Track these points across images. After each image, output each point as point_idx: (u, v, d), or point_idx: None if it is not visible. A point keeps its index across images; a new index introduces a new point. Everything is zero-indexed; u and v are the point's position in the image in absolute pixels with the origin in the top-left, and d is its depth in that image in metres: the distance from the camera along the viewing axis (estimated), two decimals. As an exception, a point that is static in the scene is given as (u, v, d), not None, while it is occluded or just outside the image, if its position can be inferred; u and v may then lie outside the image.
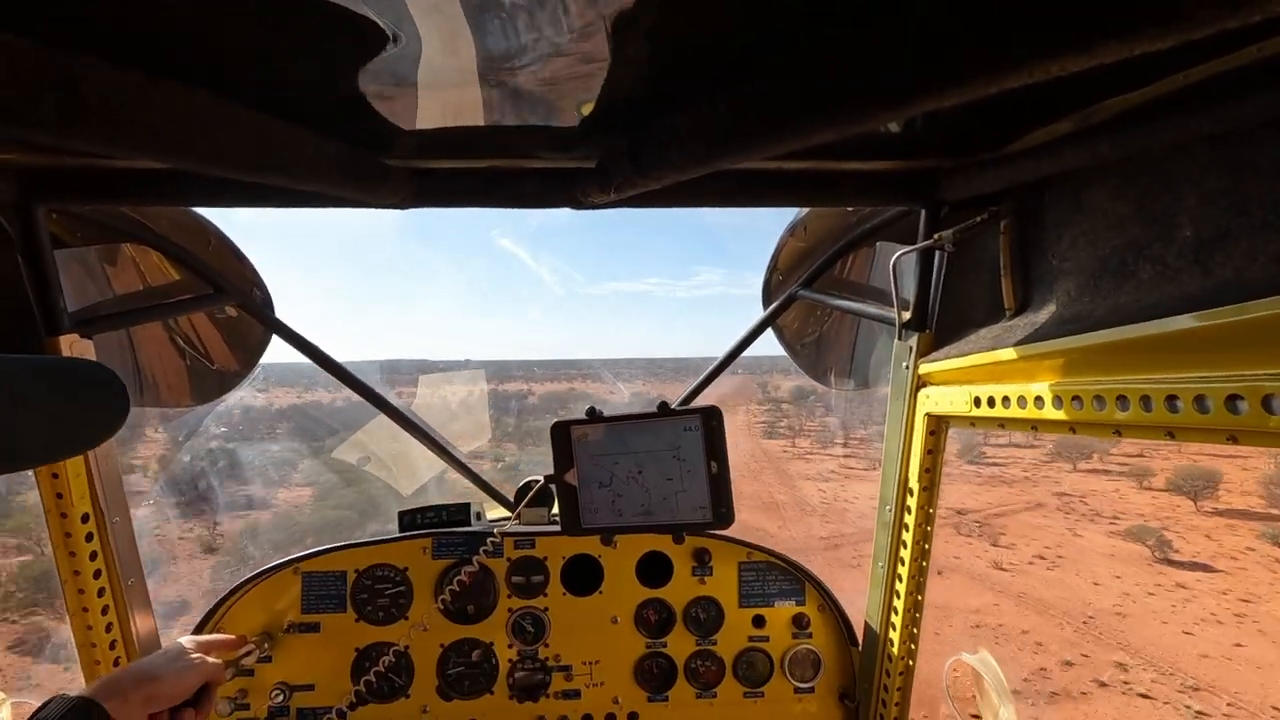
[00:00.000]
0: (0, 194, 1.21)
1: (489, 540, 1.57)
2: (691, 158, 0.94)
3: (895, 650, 1.67)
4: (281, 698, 1.75)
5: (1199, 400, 0.82)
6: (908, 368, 1.53)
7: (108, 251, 1.62)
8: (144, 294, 1.71)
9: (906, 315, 1.51)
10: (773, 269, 2.06)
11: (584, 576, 1.86)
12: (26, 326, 1.31)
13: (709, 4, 0.73)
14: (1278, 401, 0.72)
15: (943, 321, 1.47)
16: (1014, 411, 1.18)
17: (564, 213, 1.42)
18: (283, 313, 1.89)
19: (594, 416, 1.43)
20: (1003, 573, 30.01)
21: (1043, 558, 31.98)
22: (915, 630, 1.67)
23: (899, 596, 1.65)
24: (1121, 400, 0.94)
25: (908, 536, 1.59)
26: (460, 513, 1.93)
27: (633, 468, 1.41)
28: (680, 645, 1.86)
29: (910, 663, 1.69)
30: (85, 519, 1.47)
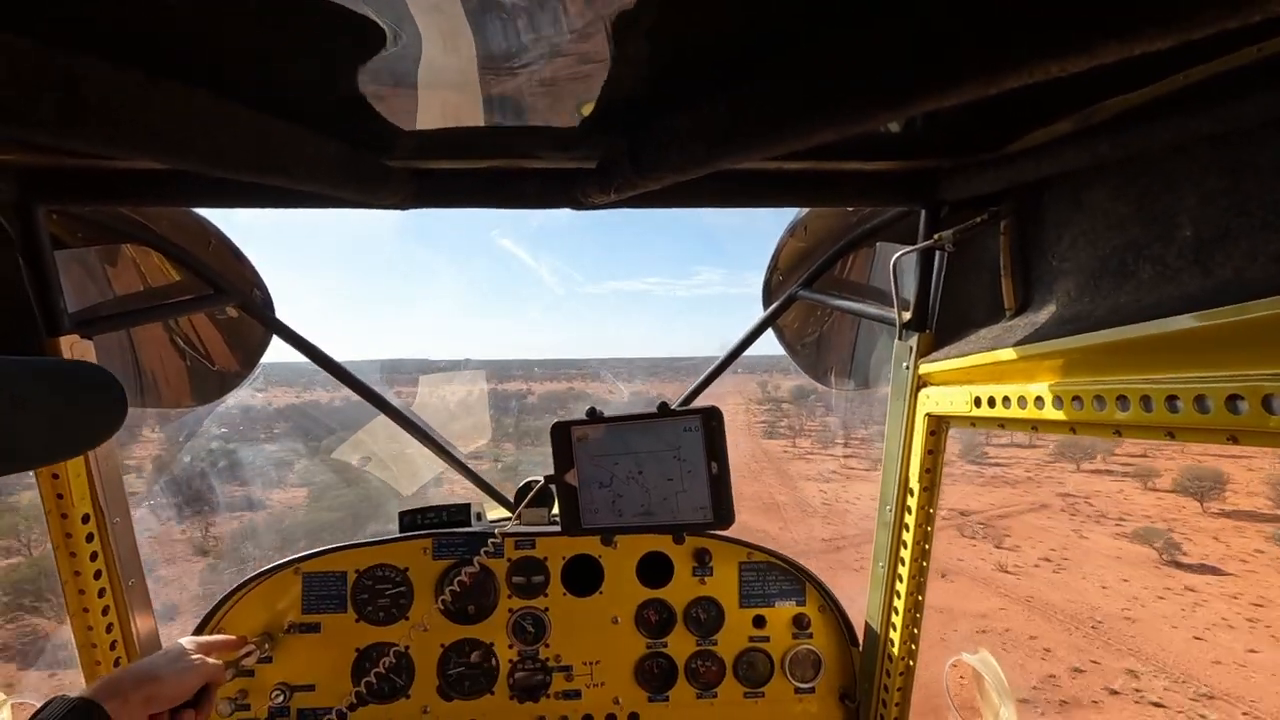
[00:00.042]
0: (1, 194, 1.21)
1: (489, 541, 1.57)
2: (692, 158, 0.94)
3: (896, 650, 1.67)
4: (282, 698, 1.75)
5: (1199, 400, 0.82)
6: (908, 368, 1.53)
7: (108, 252, 1.62)
8: (144, 295, 1.71)
9: (907, 315, 1.51)
10: (773, 269, 2.06)
11: (584, 577, 1.86)
12: (27, 327, 1.31)
13: (709, 4, 0.73)
14: (1278, 401, 0.72)
15: (943, 322, 1.47)
16: (1014, 412, 1.18)
17: (564, 213, 1.42)
18: (283, 313, 1.89)
19: (594, 417, 1.43)
20: (1008, 575, 29.70)
21: (1048, 560, 31.64)
22: (916, 630, 1.67)
23: (899, 597, 1.65)
24: (1122, 400, 0.94)
25: (908, 537, 1.59)
26: (461, 513, 1.93)
27: (633, 468, 1.41)
28: (681, 645, 1.86)
29: (911, 663, 1.69)
30: (86, 519, 1.47)
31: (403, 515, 1.95)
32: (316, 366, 1.89)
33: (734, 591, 1.88)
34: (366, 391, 1.96)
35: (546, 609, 1.84)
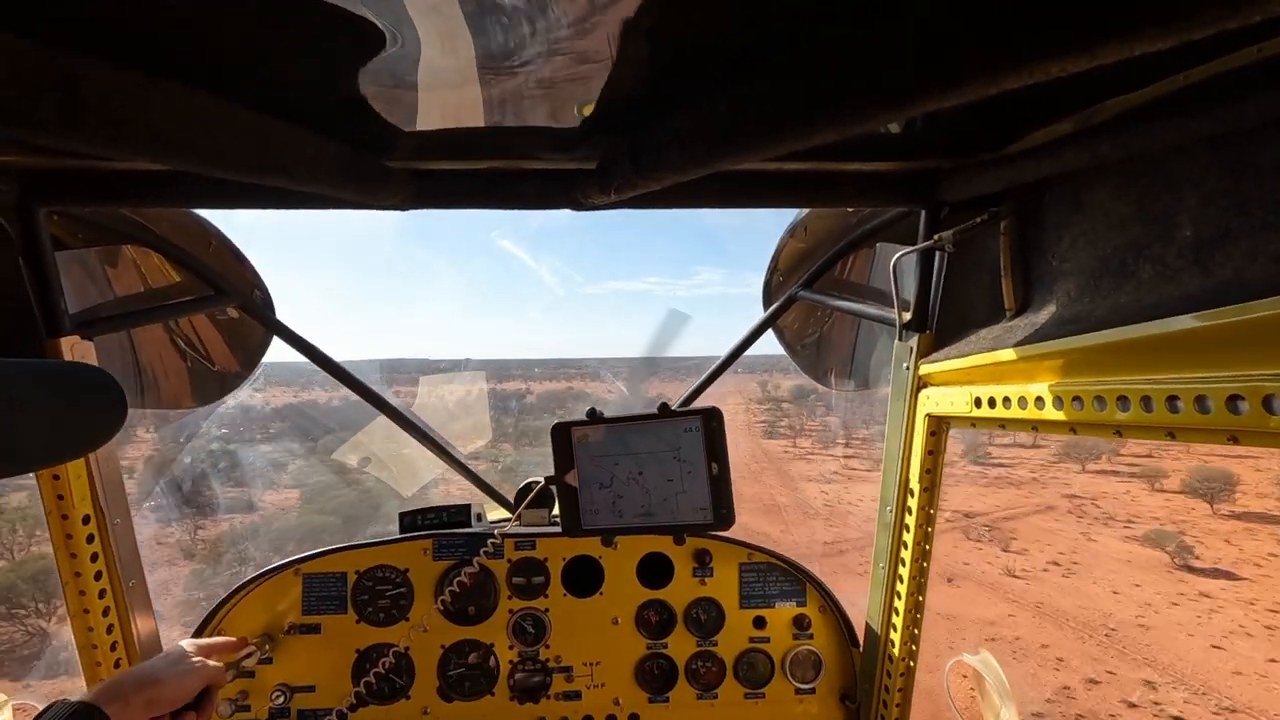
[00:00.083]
0: (1, 195, 1.21)
1: (489, 541, 1.56)
2: (692, 158, 0.94)
3: (896, 651, 1.67)
4: (282, 699, 1.75)
5: (1200, 401, 0.82)
6: (908, 368, 1.53)
7: (108, 253, 1.62)
8: (145, 295, 1.71)
9: (907, 316, 1.51)
10: (773, 270, 2.06)
11: (585, 578, 1.86)
12: (28, 328, 1.31)
13: (709, 4, 0.73)
14: (1278, 402, 0.72)
15: (943, 322, 1.47)
16: (1015, 412, 1.17)
17: (564, 213, 1.42)
18: (283, 313, 1.89)
19: (594, 418, 1.43)
20: (1016, 580, 28.98)
21: (1057, 564, 30.99)
22: (916, 631, 1.67)
23: (900, 597, 1.64)
24: (1122, 401, 0.94)
25: (909, 537, 1.59)
26: (461, 514, 1.93)
27: (633, 469, 1.41)
28: (681, 646, 1.86)
29: (911, 664, 1.69)
30: (86, 520, 1.47)
31: (403, 516, 1.95)
32: (315, 366, 1.89)
33: (734, 592, 1.88)
34: (367, 392, 1.96)
35: (547, 610, 1.84)
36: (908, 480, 1.58)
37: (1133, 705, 20.15)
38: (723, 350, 2.03)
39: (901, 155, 1.27)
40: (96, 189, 1.26)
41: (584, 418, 1.44)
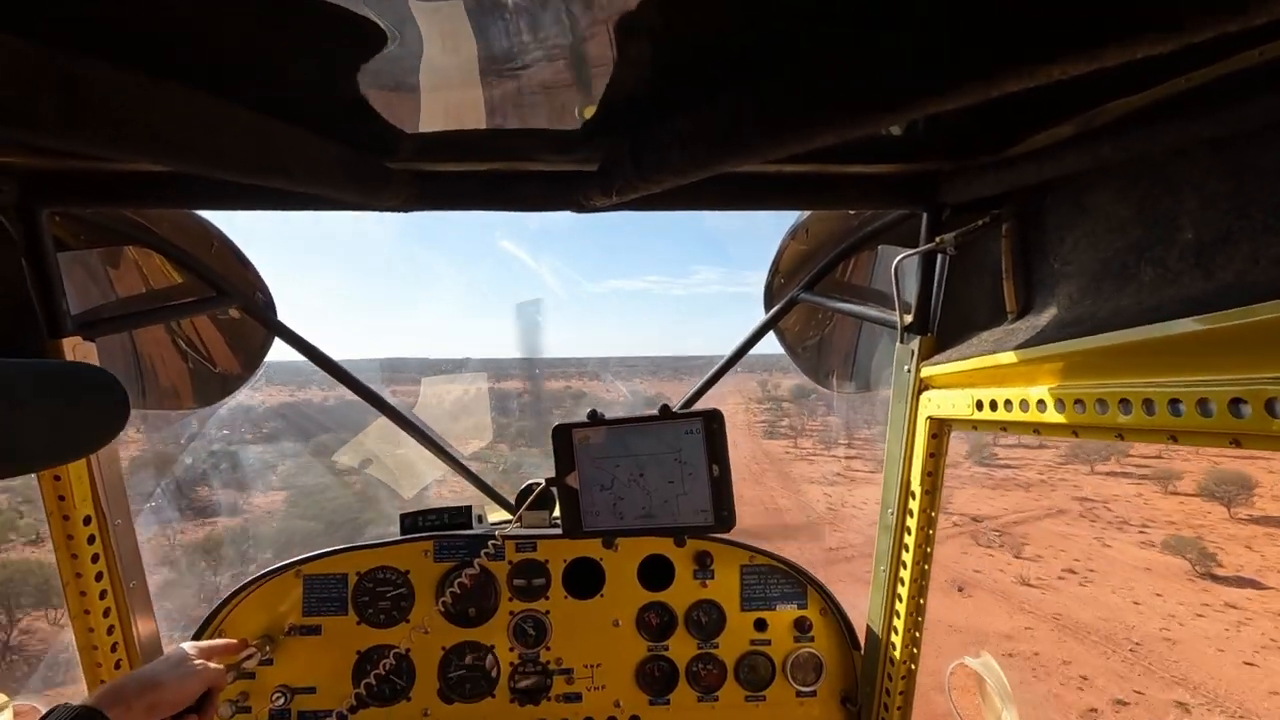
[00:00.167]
0: (3, 196, 1.21)
1: (490, 543, 1.56)
2: (693, 160, 0.94)
3: (897, 654, 1.67)
4: (283, 700, 1.75)
5: (1202, 404, 0.82)
6: (909, 371, 1.52)
7: (110, 254, 1.62)
8: (147, 296, 1.71)
9: (908, 318, 1.51)
10: (774, 272, 2.06)
11: (585, 579, 1.86)
12: (29, 329, 1.31)
13: (710, 6, 0.73)
14: None
15: (944, 325, 1.47)
16: (1016, 415, 1.17)
17: (565, 215, 1.42)
18: (284, 313, 1.89)
19: (595, 419, 1.42)
20: (1031, 589, 27.67)
21: (1073, 571, 29.70)
22: (918, 634, 1.66)
23: (901, 600, 1.64)
24: (1124, 404, 0.93)
25: (910, 540, 1.59)
26: (461, 515, 1.93)
27: (634, 471, 1.40)
28: (682, 648, 1.85)
29: (913, 666, 1.68)
30: (87, 521, 1.47)
31: (404, 517, 1.95)
32: (315, 366, 1.89)
33: (735, 594, 1.87)
34: (367, 393, 1.96)
35: (547, 612, 1.84)
36: (909, 483, 1.57)
37: (1166, 729, 18.69)
38: (720, 344, 2.03)
39: (903, 158, 1.27)
40: (98, 190, 1.26)
41: (585, 419, 1.44)
